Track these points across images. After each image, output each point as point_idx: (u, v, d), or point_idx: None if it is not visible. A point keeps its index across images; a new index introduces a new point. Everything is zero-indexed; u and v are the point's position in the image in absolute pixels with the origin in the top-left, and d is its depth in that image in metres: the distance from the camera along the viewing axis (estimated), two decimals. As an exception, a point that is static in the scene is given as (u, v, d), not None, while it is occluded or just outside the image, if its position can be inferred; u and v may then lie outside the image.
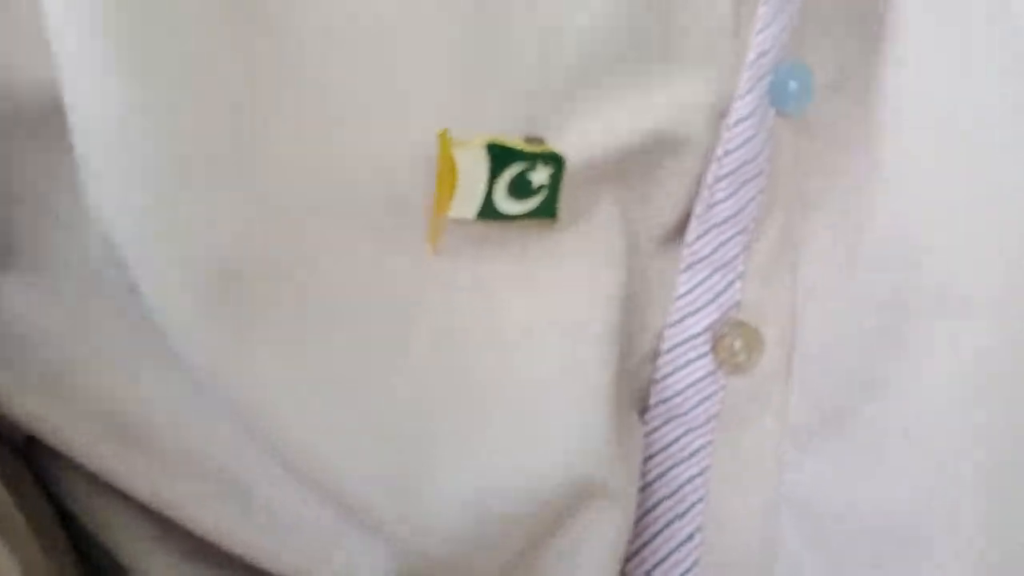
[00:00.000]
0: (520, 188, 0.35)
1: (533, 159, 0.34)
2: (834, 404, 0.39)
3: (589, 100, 0.36)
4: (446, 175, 0.33)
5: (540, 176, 0.34)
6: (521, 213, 0.35)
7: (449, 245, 0.35)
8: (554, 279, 0.37)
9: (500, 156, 0.34)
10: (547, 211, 0.36)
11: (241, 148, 0.31)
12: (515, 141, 0.34)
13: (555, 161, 0.34)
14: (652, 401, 0.40)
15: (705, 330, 0.39)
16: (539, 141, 0.35)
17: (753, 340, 0.40)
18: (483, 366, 0.35)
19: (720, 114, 0.38)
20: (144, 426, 0.35)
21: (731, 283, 0.40)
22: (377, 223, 0.34)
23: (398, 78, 0.33)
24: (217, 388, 0.31)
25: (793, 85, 0.39)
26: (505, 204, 0.35)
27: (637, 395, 0.40)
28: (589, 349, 0.36)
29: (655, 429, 0.40)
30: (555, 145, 0.35)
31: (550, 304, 0.36)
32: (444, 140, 0.33)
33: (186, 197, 0.30)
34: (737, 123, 0.38)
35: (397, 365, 0.34)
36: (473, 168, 0.34)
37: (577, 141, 0.35)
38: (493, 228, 0.36)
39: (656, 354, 0.39)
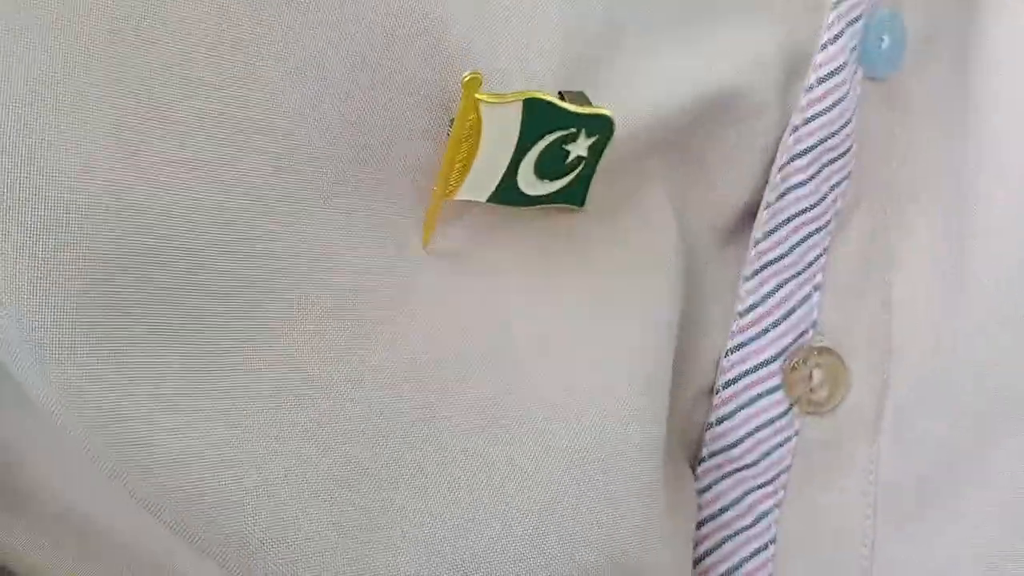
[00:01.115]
0: (550, 162, 0.25)
1: (578, 123, 0.24)
2: (935, 463, 0.30)
3: (629, 54, 0.27)
4: (464, 138, 0.24)
5: (579, 147, 0.25)
6: (543, 195, 0.26)
7: (440, 238, 0.26)
8: (585, 294, 0.27)
9: (539, 118, 0.24)
10: (575, 195, 0.26)
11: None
12: (556, 97, 0.24)
13: (601, 127, 0.25)
14: (707, 451, 0.30)
15: (776, 356, 0.30)
16: (581, 97, 0.25)
17: (837, 372, 0.30)
18: (477, 415, 0.25)
19: (796, 72, 0.29)
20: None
21: (808, 296, 0.30)
22: (336, 197, 0.24)
23: None
24: (79, 422, 0.22)
25: (886, 41, 0.31)
26: (528, 184, 0.25)
27: (688, 442, 0.30)
28: (633, 395, 0.27)
29: (709, 486, 0.30)
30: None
31: (579, 331, 0.27)
32: (472, 86, 0.23)
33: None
34: (820, 82, 0.29)
35: (355, 402, 0.24)
36: (502, 132, 0.24)
37: (616, 106, 0.26)
38: (502, 216, 0.26)
39: (713, 389, 0.30)
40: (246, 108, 0.22)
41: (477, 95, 0.23)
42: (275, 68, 0.22)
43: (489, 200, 0.25)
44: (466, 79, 0.23)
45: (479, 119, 0.23)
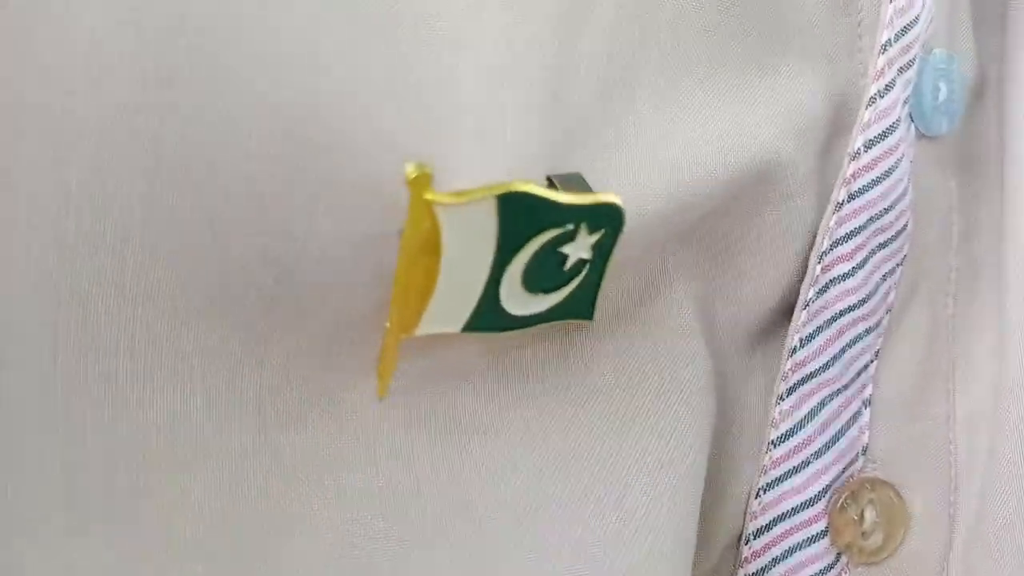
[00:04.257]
0: (544, 271, 0.18)
1: (576, 218, 0.18)
2: None
3: (640, 116, 0.20)
4: (419, 255, 0.17)
5: (580, 248, 0.18)
6: (538, 314, 0.19)
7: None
8: (584, 447, 0.20)
9: (523, 216, 0.17)
10: (580, 307, 0.19)
11: None
12: (542, 187, 0.17)
13: (608, 220, 0.18)
14: (733, 619, 0.23)
15: (820, 495, 0.23)
16: (577, 182, 0.18)
17: (893, 509, 0.24)
18: None
19: (833, 136, 0.23)
20: None
21: (856, 414, 0.24)
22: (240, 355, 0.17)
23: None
24: None
25: (943, 91, 0.24)
26: (515, 302, 0.18)
27: None
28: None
29: (738, 667, 0.23)
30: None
31: (576, 491, 0.20)
32: (420, 185, 0.16)
33: None
34: (869, 146, 0.23)
35: None
36: (472, 241, 0.17)
37: (626, 188, 0.19)
38: (478, 344, 0.20)
39: (742, 538, 0.23)
40: None
41: (428, 196, 0.16)
42: None
43: (465, 330, 0.18)
44: (411, 176, 0.16)
45: (436, 227, 0.16)
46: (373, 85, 0.17)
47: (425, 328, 0.18)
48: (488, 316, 0.18)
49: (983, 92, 0.27)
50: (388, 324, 0.17)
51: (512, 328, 0.19)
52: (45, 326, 0.17)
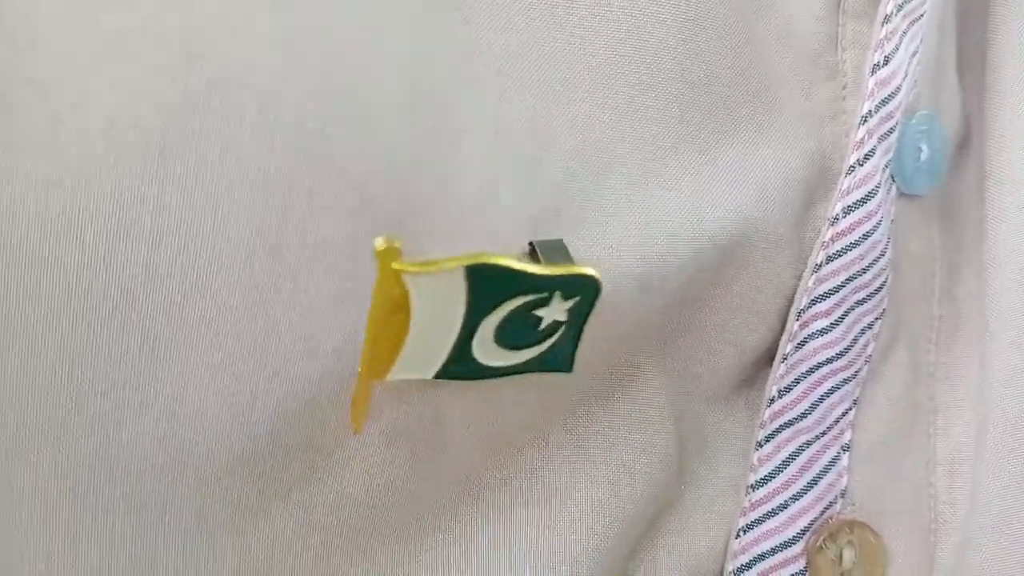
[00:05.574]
0: (517, 331, 0.20)
1: (549, 286, 0.19)
2: None
3: (620, 182, 0.22)
4: (389, 315, 0.19)
5: (555, 311, 0.20)
6: (512, 365, 0.21)
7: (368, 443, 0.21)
8: (549, 508, 0.23)
9: (493, 285, 0.19)
10: (558, 358, 0.21)
11: None
12: (514, 259, 0.19)
13: (583, 288, 0.20)
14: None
15: (798, 536, 0.25)
16: (557, 250, 0.20)
17: (872, 549, 0.25)
18: None
19: (813, 198, 0.24)
20: None
21: (835, 459, 0.25)
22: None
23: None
24: None
25: (925, 151, 0.26)
26: (488, 355, 0.20)
27: None
28: None
29: None
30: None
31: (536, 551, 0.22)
32: (388, 257, 0.18)
33: None
34: (847, 212, 0.24)
35: None
36: (440, 305, 0.19)
37: (603, 251, 0.21)
38: (450, 393, 0.22)
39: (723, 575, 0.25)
40: None
41: (396, 265, 0.18)
42: None
43: (437, 376, 0.20)
44: (379, 248, 0.18)
45: (405, 293, 0.18)
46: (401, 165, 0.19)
47: (396, 374, 0.19)
48: (461, 365, 0.20)
49: (968, 141, 0.28)
50: (360, 370, 0.19)
51: (486, 377, 0.20)
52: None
